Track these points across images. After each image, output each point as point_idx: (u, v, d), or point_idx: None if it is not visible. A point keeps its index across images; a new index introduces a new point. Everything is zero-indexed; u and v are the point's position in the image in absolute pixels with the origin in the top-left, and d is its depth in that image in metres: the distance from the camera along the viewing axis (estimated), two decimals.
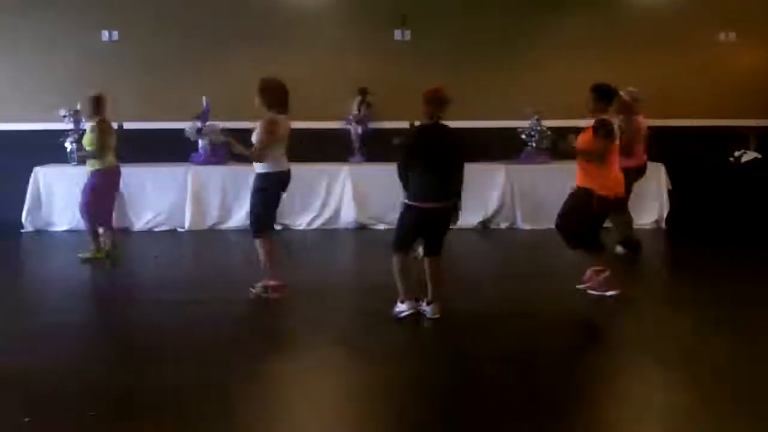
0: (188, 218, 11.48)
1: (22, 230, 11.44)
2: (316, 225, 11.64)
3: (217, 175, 11.50)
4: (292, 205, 11.57)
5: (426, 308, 7.12)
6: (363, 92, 11.79)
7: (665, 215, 11.79)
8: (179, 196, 11.55)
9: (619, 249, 9.66)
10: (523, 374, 5.85)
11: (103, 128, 9.40)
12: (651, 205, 11.79)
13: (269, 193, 7.81)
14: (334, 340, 6.69)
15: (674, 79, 12.28)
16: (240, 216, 11.54)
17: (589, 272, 7.82)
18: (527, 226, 11.27)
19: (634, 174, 9.26)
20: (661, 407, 5.28)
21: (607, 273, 7.72)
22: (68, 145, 11.64)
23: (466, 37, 12.23)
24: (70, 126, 11.65)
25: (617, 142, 7.66)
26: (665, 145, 11.77)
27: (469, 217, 11.53)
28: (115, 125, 11.95)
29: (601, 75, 11.85)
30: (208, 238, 10.89)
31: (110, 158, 9.50)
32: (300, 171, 11.43)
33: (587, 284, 7.81)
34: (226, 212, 11.61)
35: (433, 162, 6.90)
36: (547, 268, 9.36)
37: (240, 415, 5.09)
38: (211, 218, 11.56)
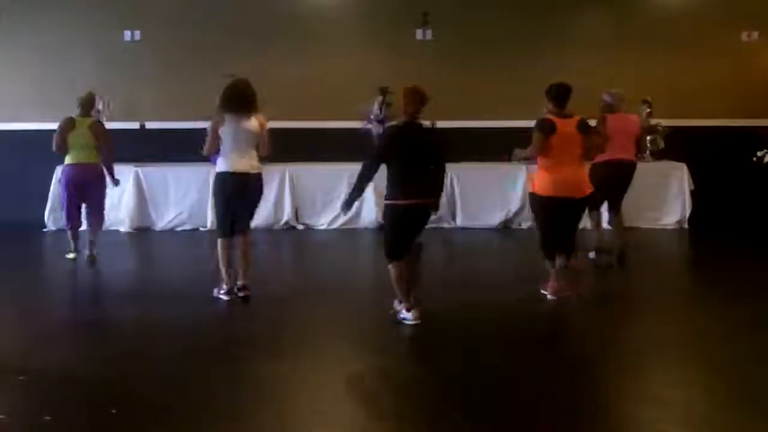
0: (210, 217, 11.50)
1: (44, 229, 11.53)
2: (336, 225, 11.66)
3: None
4: (313, 205, 11.67)
5: (407, 315, 7.00)
6: (384, 92, 11.78)
7: (688, 215, 11.75)
8: (201, 196, 11.58)
9: (591, 254, 9.54)
10: (534, 375, 5.83)
11: (60, 126, 9.50)
12: (673, 205, 11.78)
13: (217, 194, 7.77)
14: (340, 340, 6.71)
15: (696, 79, 12.24)
16: (262, 215, 11.58)
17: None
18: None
19: (597, 171, 9.04)
20: (677, 406, 5.25)
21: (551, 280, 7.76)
22: None
23: (489, 36, 12.22)
24: None
25: (563, 140, 7.51)
26: (688, 146, 11.75)
27: (490, 216, 11.58)
28: (136, 125, 12.13)
29: (623, 74, 11.98)
30: None
31: (68, 156, 9.50)
32: (321, 171, 11.61)
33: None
34: None
35: (411, 159, 6.81)
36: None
37: (250, 416, 5.11)
38: None
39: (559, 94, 7.66)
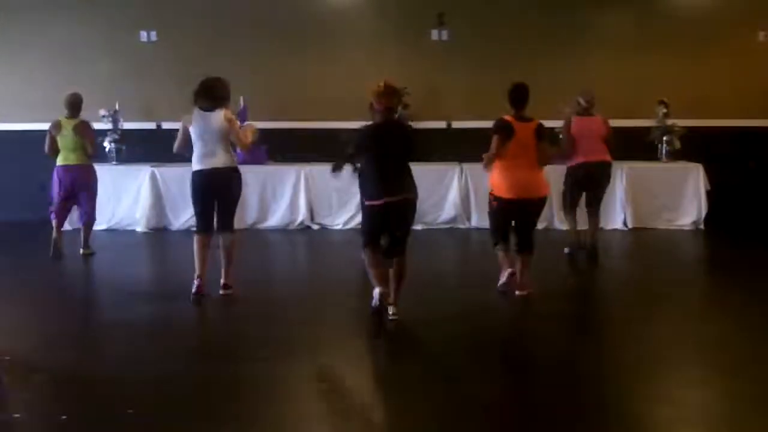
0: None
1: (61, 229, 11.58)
2: (352, 224, 11.64)
3: (255, 174, 11.53)
4: (329, 204, 11.66)
5: (389, 308, 7.04)
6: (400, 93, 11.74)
7: (703, 216, 11.69)
8: None
9: (566, 249, 9.81)
10: (548, 374, 5.83)
11: (49, 129, 9.88)
12: (689, 206, 11.71)
13: (191, 192, 7.93)
14: (352, 341, 6.77)
15: (713, 79, 12.18)
16: (278, 215, 11.66)
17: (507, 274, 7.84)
18: (564, 227, 11.12)
19: (571, 172, 9.56)
20: (693, 407, 5.26)
21: (508, 271, 7.77)
22: (107, 145, 11.77)
23: (504, 36, 12.19)
24: (109, 126, 11.79)
25: (520, 143, 7.61)
26: (704, 146, 11.70)
27: None
28: (153, 125, 12.18)
29: (640, 74, 11.93)
30: (247, 237, 10.91)
31: (58, 157, 9.85)
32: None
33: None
34: (264, 211, 11.69)
35: (383, 158, 6.88)
36: (577, 268, 9.36)
37: (269, 416, 5.13)
38: (250, 218, 11.65)
39: (520, 96, 7.75)
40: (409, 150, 7.00)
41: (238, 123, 8.01)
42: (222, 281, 7.88)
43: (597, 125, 9.53)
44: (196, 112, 7.69)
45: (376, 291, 6.71)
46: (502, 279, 7.81)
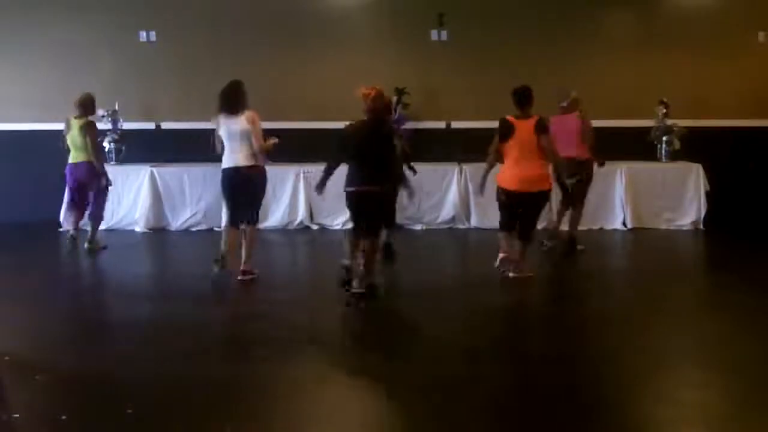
0: (225, 218, 11.51)
1: (60, 229, 11.56)
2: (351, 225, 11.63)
3: None
4: (329, 205, 11.62)
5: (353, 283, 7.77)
6: (400, 93, 11.76)
7: (703, 216, 11.68)
8: (216, 196, 11.56)
9: (546, 243, 10.14)
10: (551, 374, 5.82)
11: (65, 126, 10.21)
12: (689, 206, 11.71)
13: (221, 187, 8.68)
14: (354, 341, 6.82)
15: (713, 80, 12.18)
16: (277, 216, 11.65)
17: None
18: (565, 227, 11.12)
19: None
20: (694, 407, 5.24)
21: (500, 255, 8.49)
22: (107, 145, 11.76)
23: (504, 37, 12.18)
24: (109, 126, 11.78)
25: (521, 139, 8.22)
26: (704, 146, 11.69)
27: None
28: (152, 125, 12.20)
29: (641, 75, 11.92)
30: None
31: (70, 155, 10.21)
32: (335, 171, 11.59)
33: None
34: (264, 211, 11.64)
35: (360, 152, 7.67)
36: (581, 269, 9.37)
37: (268, 416, 5.12)
38: None
39: (522, 97, 8.35)
40: (387, 149, 7.81)
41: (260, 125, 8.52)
42: (241, 268, 8.47)
43: (572, 123, 9.76)
44: (222, 117, 8.39)
45: (355, 284, 7.70)
46: (497, 261, 8.50)
